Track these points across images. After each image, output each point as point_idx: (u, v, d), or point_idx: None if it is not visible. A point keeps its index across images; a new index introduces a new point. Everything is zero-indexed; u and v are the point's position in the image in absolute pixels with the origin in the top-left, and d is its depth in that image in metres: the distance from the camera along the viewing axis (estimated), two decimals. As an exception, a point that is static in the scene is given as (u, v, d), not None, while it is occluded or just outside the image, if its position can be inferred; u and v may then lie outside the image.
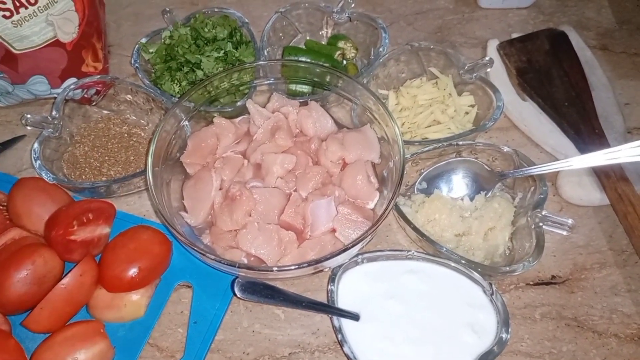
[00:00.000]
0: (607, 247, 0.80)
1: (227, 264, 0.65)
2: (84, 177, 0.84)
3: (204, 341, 0.70)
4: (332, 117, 0.85)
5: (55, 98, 0.85)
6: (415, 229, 0.74)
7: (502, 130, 0.91)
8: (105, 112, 0.92)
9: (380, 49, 0.91)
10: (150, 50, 0.92)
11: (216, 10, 0.97)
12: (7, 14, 0.75)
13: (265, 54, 0.92)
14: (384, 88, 0.92)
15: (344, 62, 0.95)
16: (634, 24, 1.06)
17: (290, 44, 0.99)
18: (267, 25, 0.95)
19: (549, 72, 0.92)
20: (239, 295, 0.66)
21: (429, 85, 0.90)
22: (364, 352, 0.67)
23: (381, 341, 0.68)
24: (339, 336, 0.67)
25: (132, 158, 0.86)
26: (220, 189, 0.77)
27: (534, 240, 0.71)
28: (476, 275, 0.71)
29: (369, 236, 0.68)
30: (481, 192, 0.80)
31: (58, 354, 0.65)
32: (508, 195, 0.80)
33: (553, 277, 0.77)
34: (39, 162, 0.78)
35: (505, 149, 0.80)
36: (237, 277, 0.68)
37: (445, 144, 0.81)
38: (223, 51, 0.89)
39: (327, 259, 0.65)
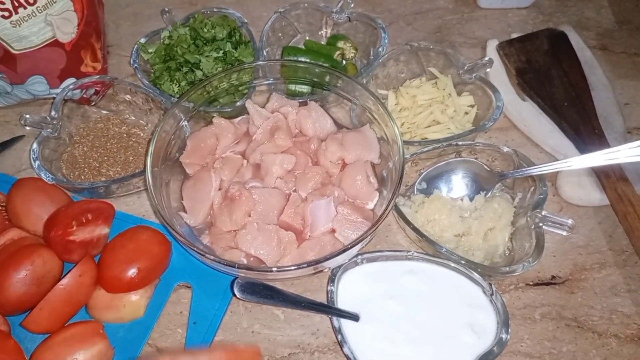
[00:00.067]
0: (607, 247, 0.80)
1: (226, 265, 0.65)
2: (83, 177, 0.84)
3: (204, 342, 0.70)
4: (332, 117, 0.85)
5: (54, 98, 0.85)
6: (414, 229, 0.74)
7: (502, 130, 0.91)
8: (104, 112, 0.91)
9: (380, 49, 0.91)
10: (150, 51, 0.92)
11: (215, 10, 0.97)
12: (6, 14, 0.75)
13: (265, 54, 0.92)
14: (384, 88, 0.92)
15: (344, 62, 0.95)
16: (633, 24, 1.06)
17: (290, 44, 0.99)
18: (267, 25, 0.95)
19: (548, 72, 0.92)
20: (238, 296, 0.66)
21: (429, 86, 0.90)
22: (364, 352, 0.67)
23: (381, 341, 0.68)
24: (339, 337, 0.67)
25: (131, 158, 0.86)
26: (219, 189, 0.77)
27: (533, 240, 0.71)
28: (476, 276, 0.71)
29: (369, 236, 0.68)
30: (481, 192, 0.80)
31: (57, 355, 0.64)
32: (508, 195, 0.80)
33: (553, 277, 0.77)
34: (38, 162, 0.78)
35: (505, 149, 0.80)
36: (236, 278, 0.68)
37: (444, 144, 0.81)
38: (222, 51, 0.89)
39: (326, 259, 0.65)
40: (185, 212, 0.77)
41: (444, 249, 0.71)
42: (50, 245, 0.70)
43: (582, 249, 0.80)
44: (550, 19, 1.06)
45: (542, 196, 0.75)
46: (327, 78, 0.83)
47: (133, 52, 0.92)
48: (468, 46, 1.02)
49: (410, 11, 1.08)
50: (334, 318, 0.69)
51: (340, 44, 0.94)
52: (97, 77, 0.88)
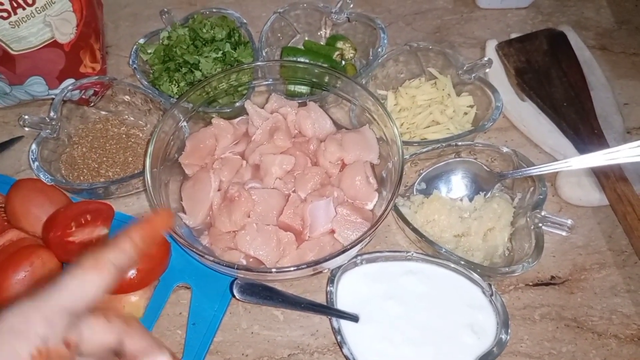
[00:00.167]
0: (606, 247, 0.80)
1: (225, 266, 0.65)
2: (82, 178, 0.83)
3: (203, 343, 0.70)
4: (331, 118, 0.85)
5: (53, 99, 0.85)
6: (414, 229, 0.73)
7: (501, 130, 0.91)
8: (103, 113, 0.91)
9: (379, 50, 0.91)
10: (149, 51, 0.92)
11: (214, 10, 0.97)
12: (5, 14, 0.75)
13: (264, 54, 0.91)
14: (383, 88, 0.92)
15: (343, 62, 0.95)
16: (633, 24, 1.06)
17: (289, 45, 0.99)
18: (266, 25, 0.95)
19: (547, 72, 0.92)
20: (237, 297, 0.66)
21: (428, 86, 0.90)
22: (364, 353, 0.67)
23: (380, 342, 0.68)
24: (338, 337, 0.67)
25: (131, 159, 0.86)
26: (218, 190, 0.77)
27: (533, 240, 0.71)
28: (475, 276, 0.71)
29: (368, 237, 0.68)
30: (480, 192, 0.80)
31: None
32: (507, 195, 0.80)
33: (552, 277, 0.77)
34: (36, 163, 0.78)
35: (504, 149, 0.80)
36: (235, 279, 0.68)
37: (444, 144, 0.81)
38: (221, 52, 0.89)
39: (326, 260, 0.65)
40: (185, 213, 0.77)
41: (444, 250, 0.71)
42: (49, 246, 0.70)
43: (581, 249, 0.80)
44: (550, 19, 1.06)
45: (541, 196, 0.75)
46: (327, 78, 0.83)
47: (132, 52, 0.92)
48: (467, 46, 1.02)
49: (409, 11, 1.08)
50: (334, 319, 0.69)
51: (339, 44, 0.94)
52: (96, 77, 0.88)
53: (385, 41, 0.91)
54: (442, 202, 0.78)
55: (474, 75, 0.86)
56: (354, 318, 0.69)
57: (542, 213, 0.72)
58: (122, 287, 0.69)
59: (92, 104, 0.91)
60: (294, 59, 0.92)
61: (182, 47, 0.88)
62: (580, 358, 0.71)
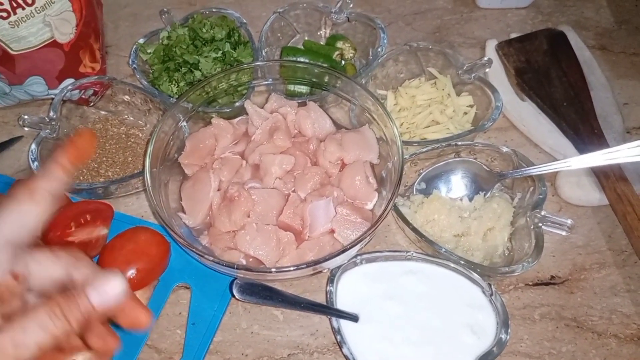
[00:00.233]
0: (606, 247, 0.80)
1: (225, 265, 0.65)
2: (81, 178, 0.83)
3: (203, 342, 0.70)
4: (331, 118, 0.85)
5: (52, 99, 0.84)
6: (414, 229, 0.73)
7: (501, 130, 0.91)
8: (103, 113, 0.91)
9: (379, 49, 0.90)
10: (148, 51, 0.92)
11: (214, 10, 0.97)
12: (4, 14, 0.75)
13: (264, 54, 0.91)
14: (383, 88, 0.92)
15: (343, 62, 0.95)
16: (632, 23, 1.06)
17: (289, 45, 0.99)
18: (265, 25, 0.95)
19: (547, 72, 0.92)
20: (237, 297, 0.66)
21: (428, 86, 0.90)
22: (363, 353, 0.66)
23: (380, 342, 0.68)
24: (338, 337, 0.67)
25: (130, 159, 0.86)
26: (218, 190, 0.77)
27: (533, 240, 0.71)
28: (475, 276, 0.71)
29: (368, 237, 0.68)
30: (480, 192, 0.80)
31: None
32: (507, 195, 0.80)
33: (552, 277, 0.77)
34: (36, 163, 0.78)
35: (504, 149, 0.80)
36: (235, 278, 0.68)
37: (444, 144, 0.81)
38: (221, 52, 0.89)
39: (325, 260, 0.65)
40: (184, 212, 0.77)
41: (443, 249, 0.71)
42: (49, 246, 0.70)
43: (581, 249, 0.79)
44: (549, 19, 1.06)
45: (541, 196, 0.75)
46: (326, 78, 0.83)
47: (132, 52, 0.92)
48: (467, 46, 1.02)
49: (409, 11, 1.08)
50: (333, 319, 0.69)
51: (339, 44, 0.94)
52: (96, 77, 0.88)
53: (385, 41, 0.91)
54: (442, 201, 0.78)
55: (473, 75, 0.86)
56: (353, 318, 0.69)
57: (542, 213, 0.72)
58: (122, 287, 0.69)
59: (92, 104, 0.91)
60: (294, 58, 0.92)
61: (181, 47, 0.88)
62: (580, 358, 0.71)
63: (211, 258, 0.65)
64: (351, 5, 0.95)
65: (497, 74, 0.94)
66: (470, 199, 0.80)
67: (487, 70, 0.86)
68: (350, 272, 0.73)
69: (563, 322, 0.73)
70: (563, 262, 0.78)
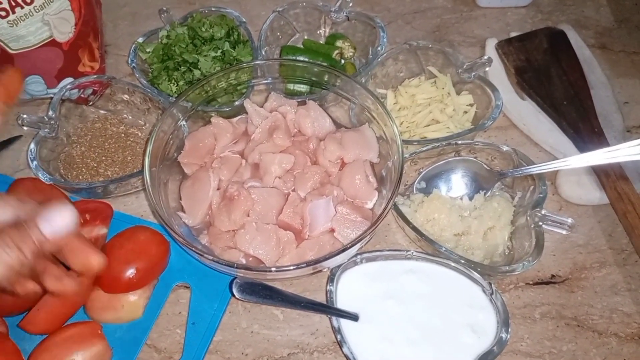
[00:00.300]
0: (606, 246, 0.80)
1: (225, 265, 0.65)
2: (80, 177, 0.83)
3: (203, 342, 0.70)
4: (331, 117, 0.84)
5: (51, 98, 0.84)
6: (414, 228, 0.73)
7: (501, 129, 0.91)
8: (102, 112, 0.91)
9: (379, 48, 0.90)
10: (147, 50, 0.92)
11: (213, 9, 0.96)
12: (3, 13, 0.75)
13: (263, 53, 0.91)
14: (382, 87, 0.92)
15: (342, 61, 0.95)
16: (632, 22, 1.05)
17: (288, 43, 0.98)
18: (265, 24, 0.94)
19: (547, 71, 0.92)
20: (237, 296, 0.66)
21: (428, 85, 0.90)
22: (363, 352, 0.66)
23: (380, 341, 0.67)
24: (338, 337, 0.67)
25: (130, 158, 0.85)
26: (218, 189, 0.77)
27: (533, 239, 0.71)
28: (476, 275, 0.70)
29: (368, 236, 0.67)
30: (480, 191, 0.80)
31: (55, 356, 0.64)
32: (507, 194, 0.80)
33: (553, 276, 0.77)
34: (35, 162, 0.78)
35: (504, 148, 0.79)
36: (235, 278, 0.68)
37: (444, 143, 0.81)
38: (220, 50, 0.89)
39: (325, 259, 0.65)
40: (184, 212, 0.77)
41: (444, 248, 0.71)
42: None
43: (581, 247, 0.79)
44: (549, 18, 1.06)
45: (541, 195, 0.74)
46: (326, 77, 0.83)
47: (131, 51, 0.91)
48: (467, 45, 1.02)
49: (409, 10, 1.08)
50: (333, 318, 0.69)
51: (338, 43, 0.94)
52: (95, 76, 0.88)
53: (385, 40, 0.91)
54: (442, 200, 0.78)
55: (473, 74, 0.86)
56: (353, 317, 0.69)
57: (542, 212, 0.72)
58: (122, 287, 0.69)
59: (91, 103, 0.90)
60: (294, 57, 0.92)
61: (181, 46, 0.88)
62: (581, 357, 0.71)
63: (211, 257, 0.65)
64: (351, 4, 0.94)
65: (497, 72, 0.94)
66: (471, 198, 0.80)
67: (487, 69, 0.86)
68: (350, 272, 0.72)
69: (563, 321, 0.73)
70: (563, 261, 0.78)
